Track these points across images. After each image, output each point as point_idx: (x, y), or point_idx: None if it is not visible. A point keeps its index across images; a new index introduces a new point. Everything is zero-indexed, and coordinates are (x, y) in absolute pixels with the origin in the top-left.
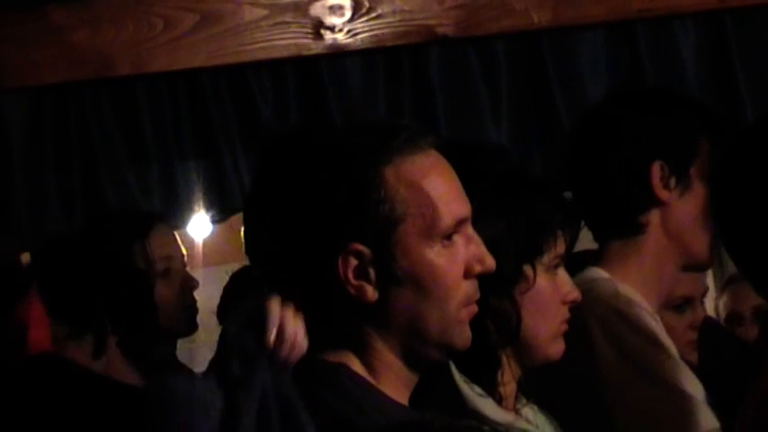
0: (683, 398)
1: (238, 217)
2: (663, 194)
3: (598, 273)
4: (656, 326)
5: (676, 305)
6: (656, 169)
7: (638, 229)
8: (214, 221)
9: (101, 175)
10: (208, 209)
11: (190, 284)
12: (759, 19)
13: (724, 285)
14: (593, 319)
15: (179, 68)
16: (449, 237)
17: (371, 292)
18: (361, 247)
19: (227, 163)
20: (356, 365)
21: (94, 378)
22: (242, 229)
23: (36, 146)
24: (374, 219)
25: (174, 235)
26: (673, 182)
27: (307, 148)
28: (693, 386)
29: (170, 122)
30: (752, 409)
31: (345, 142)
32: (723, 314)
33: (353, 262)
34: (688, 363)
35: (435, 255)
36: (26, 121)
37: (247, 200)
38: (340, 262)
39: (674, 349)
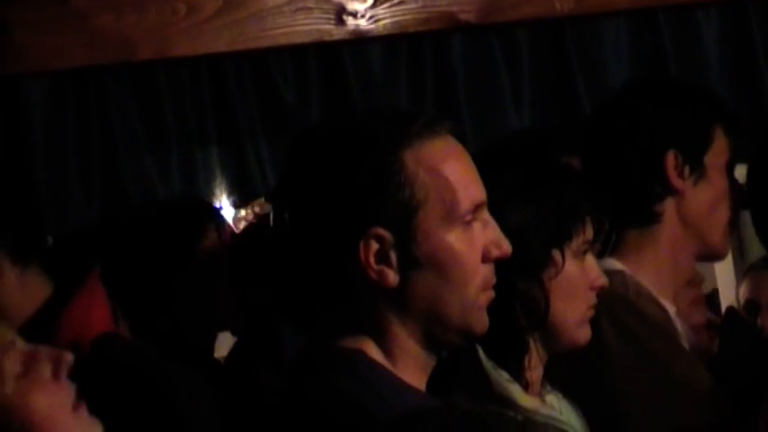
0: (689, 388)
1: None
2: (677, 183)
3: (612, 264)
4: (665, 317)
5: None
6: (671, 158)
7: (653, 218)
8: (235, 207)
9: (121, 159)
10: (228, 194)
11: None
12: None
13: (744, 274)
14: (602, 309)
15: (201, 54)
16: (468, 222)
17: (393, 277)
18: (382, 232)
19: (249, 148)
20: (373, 351)
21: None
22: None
23: (57, 130)
24: (395, 203)
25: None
26: (687, 171)
27: (328, 135)
28: (700, 377)
29: (191, 108)
30: None
31: (365, 129)
32: (742, 302)
33: (375, 246)
34: (707, 351)
35: (455, 239)
36: (47, 105)
37: (275, 190)
38: (361, 246)
39: (683, 340)
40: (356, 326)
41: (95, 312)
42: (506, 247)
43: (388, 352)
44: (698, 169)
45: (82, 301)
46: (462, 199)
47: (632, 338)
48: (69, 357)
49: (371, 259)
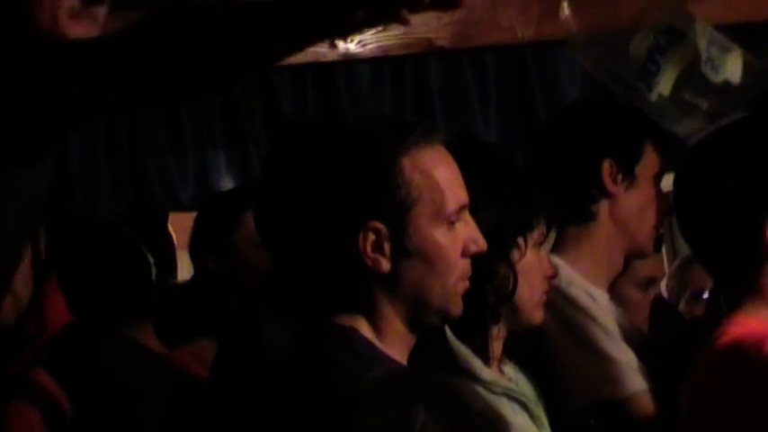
0: (613, 362)
1: None
2: (611, 187)
3: (553, 260)
4: (594, 304)
5: (642, 284)
6: (607, 165)
7: (590, 216)
8: None
9: (144, 162)
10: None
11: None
12: None
13: (675, 267)
14: None
15: None
16: (452, 221)
17: (385, 264)
18: (378, 225)
19: (253, 152)
20: (365, 329)
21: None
22: None
23: (89, 135)
24: (392, 201)
25: None
26: (620, 177)
27: (334, 137)
28: (623, 352)
29: (205, 117)
30: (694, 377)
31: (370, 134)
32: (677, 290)
33: (371, 237)
34: (642, 334)
35: (441, 235)
36: None
37: (268, 179)
38: (360, 237)
39: (611, 325)
40: (351, 306)
41: (59, 305)
42: (483, 244)
43: (377, 329)
44: (629, 177)
45: (49, 296)
46: (449, 201)
47: (563, 320)
48: None
49: (368, 248)
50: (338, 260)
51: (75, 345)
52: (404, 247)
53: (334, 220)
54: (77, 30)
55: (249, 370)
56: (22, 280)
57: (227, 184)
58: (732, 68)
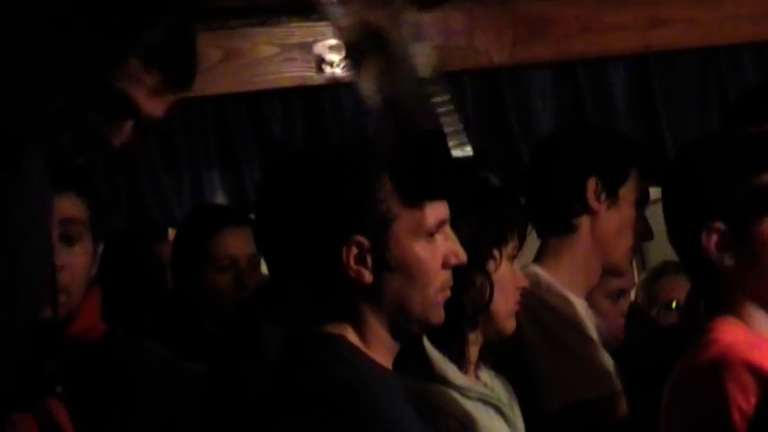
0: (588, 366)
1: None
2: (594, 204)
3: (532, 268)
4: (575, 312)
5: (613, 295)
6: (592, 182)
7: (571, 228)
8: None
9: (141, 181)
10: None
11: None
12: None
13: (655, 277)
14: (522, 307)
15: (207, 94)
16: (432, 234)
17: (368, 276)
18: (361, 239)
19: (245, 171)
20: (352, 336)
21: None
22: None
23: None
24: (374, 216)
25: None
26: (603, 196)
27: (320, 157)
28: (599, 357)
29: (199, 138)
30: (675, 379)
31: (353, 154)
32: (647, 301)
33: (354, 251)
34: (617, 340)
35: (420, 249)
36: None
37: (263, 198)
38: (344, 250)
39: (588, 330)
40: (338, 315)
41: (96, 312)
42: (462, 256)
43: (363, 337)
44: (612, 197)
45: (90, 303)
46: (429, 216)
47: (540, 325)
48: None
49: (351, 261)
50: (324, 272)
51: (111, 353)
52: (385, 260)
53: (320, 234)
54: (155, 109)
55: (245, 376)
56: (80, 282)
57: (220, 201)
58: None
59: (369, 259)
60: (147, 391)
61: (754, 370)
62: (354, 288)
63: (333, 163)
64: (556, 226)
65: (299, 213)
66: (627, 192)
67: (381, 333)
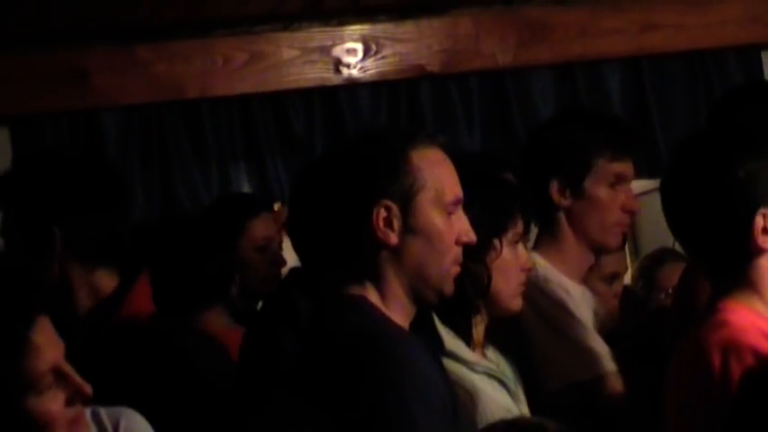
0: (583, 348)
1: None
2: (562, 202)
3: (533, 256)
4: (567, 296)
5: (607, 279)
6: (555, 184)
7: (552, 223)
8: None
9: (174, 173)
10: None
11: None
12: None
13: (653, 265)
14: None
15: (234, 94)
16: (449, 212)
17: (393, 238)
18: (390, 204)
19: (269, 165)
20: (373, 297)
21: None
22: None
23: (126, 150)
24: (401, 185)
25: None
26: (568, 192)
27: (356, 136)
28: (593, 339)
29: (226, 134)
30: (679, 364)
31: (385, 133)
32: (646, 287)
33: (383, 213)
34: (612, 321)
35: (440, 220)
36: (118, 132)
37: (303, 174)
38: (374, 212)
39: (578, 312)
40: (362, 276)
41: (146, 299)
42: (472, 236)
43: (383, 296)
44: (578, 191)
45: (139, 289)
46: (448, 191)
47: (540, 311)
48: None
49: (380, 223)
50: (354, 232)
51: (159, 336)
52: (409, 225)
53: (353, 197)
54: None
55: (281, 337)
56: (105, 273)
57: (245, 191)
58: None
59: (395, 223)
60: (197, 372)
61: (759, 356)
62: (380, 249)
63: (367, 139)
64: (543, 223)
65: (337, 179)
66: (594, 181)
67: (401, 295)
